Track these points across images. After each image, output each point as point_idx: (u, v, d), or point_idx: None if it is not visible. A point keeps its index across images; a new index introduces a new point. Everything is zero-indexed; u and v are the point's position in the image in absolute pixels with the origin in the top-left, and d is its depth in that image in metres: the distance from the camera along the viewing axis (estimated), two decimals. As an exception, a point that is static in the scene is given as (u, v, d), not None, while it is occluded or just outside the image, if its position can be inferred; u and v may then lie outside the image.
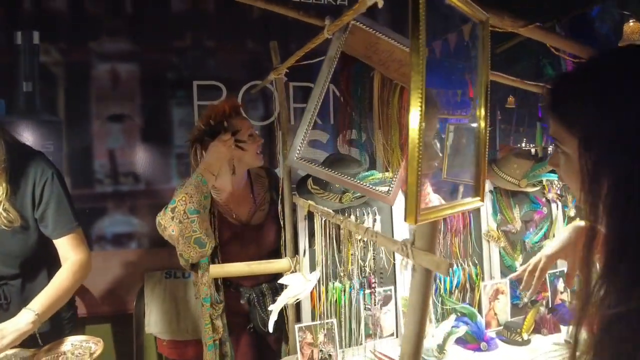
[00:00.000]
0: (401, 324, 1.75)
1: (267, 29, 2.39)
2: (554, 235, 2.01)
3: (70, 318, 1.60)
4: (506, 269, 1.98)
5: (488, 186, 1.98)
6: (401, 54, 1.15)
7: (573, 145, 0.67)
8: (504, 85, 1.66)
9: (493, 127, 2.69)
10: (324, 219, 1.42)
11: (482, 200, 0.85)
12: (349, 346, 1.64)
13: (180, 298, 2.26)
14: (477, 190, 0.84)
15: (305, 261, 1.66)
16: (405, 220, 0.64)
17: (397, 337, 1.75)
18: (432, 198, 1.31)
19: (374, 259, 1.65)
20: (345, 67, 1.20)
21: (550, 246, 1.29)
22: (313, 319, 1.65)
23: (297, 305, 1.72)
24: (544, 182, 2.01)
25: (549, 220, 2.05)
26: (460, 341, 1.71)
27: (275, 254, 1.79)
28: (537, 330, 1.82)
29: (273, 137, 2.18)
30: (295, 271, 1.66)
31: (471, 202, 0.83)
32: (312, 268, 1.65)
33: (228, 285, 1.78)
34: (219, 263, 1.70)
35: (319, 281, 1.55)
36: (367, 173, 1.58)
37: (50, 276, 1.41)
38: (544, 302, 1.92)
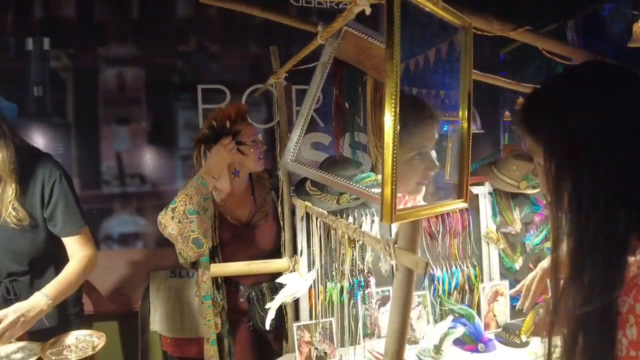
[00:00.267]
0: (399, 324, 1.76)
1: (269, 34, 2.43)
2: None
3: (77, 314, 1.65)
4: (506, 271, 1.98)
5: (487, 188, 1.98)
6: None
7: (542, 156, 0.73)
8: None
9: (495, 128, 2.69)
10: (319, 220, 1.45)
11: (466, 201, 0.87)
12: (345, 345, 1.66)
13: (185, 297, 2.31)
14: (460, 192, 0.86)
15: (303, 261, 1.69)
16: (380, 220, 0.67)
17: (395, 337, 1.77)
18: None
19: (363, 258, 1.67)
20: (338, 72, 1.23)
21: (548, 260, 1.31)
22: (311, 318, 1.68)
23: (296, 304, 1.75)
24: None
25: (550, 223, 2.05)
26: (458, 342, 1.72)
27: (276, 254, 1.83)
28: (536, 332, 1.82)
29: (275, 140, 2.21)
30: (294, 271, 1.70)
31: (453, 204, 0.85)
32: (311, 268, 1.68)
33: (229, 283, 1.82)
34: (219, 262, 1.74)
35: (315, 281, 1.58)
36: (363, 175, 1.61)
37: (57, 273, 1.46)
38: (544, 305, 1.92)
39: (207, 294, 1.68)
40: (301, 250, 1.71)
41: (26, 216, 1.40)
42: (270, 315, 1.55)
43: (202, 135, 1.71)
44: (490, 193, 1.99)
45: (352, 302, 1.67)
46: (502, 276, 1.96)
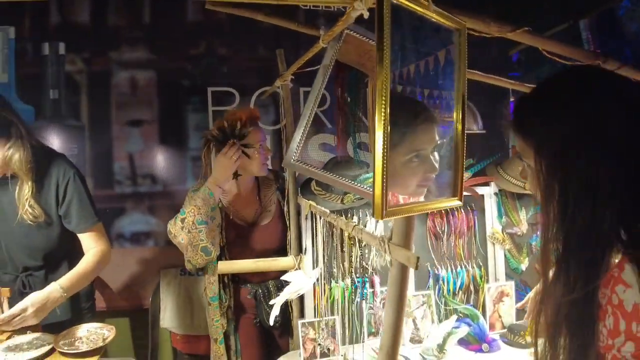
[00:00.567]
0: (403, 322, 1.78)
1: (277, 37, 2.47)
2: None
3: (89, 308, 1.72)
4: (512, 272, 1.98)
5: (493, 188, 1.99)
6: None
7: (532, 158, 0.76)
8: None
9: (502, 129, 2.68)
10: (322, 219, 1.48)
11: (460, 199, 0.89)
12: (350, 343, 1.68)
13: (195, 294, 2.36)
14: (455, 190, 0.88)
15: (307, 259, 1.72)
16: (372, 215, 0.69)
17: (399, 336, 1.78)
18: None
19: (361, 255, 1.69)
20: (340, 74, 1.26)
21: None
22: (316, 315, 1.70)
23: (301, 302, 1.78)
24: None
25: (556, 223, 2.03)
26: (462, 342, 1.73)
27: (281, 252, 1.87)
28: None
29: (282, 141, 2.25)
30: (299, 269, 1.73)
31: (447, 201, 0.87)
32: (315, 266, 1.71)
33: (236, 281, 1.86)
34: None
35: (319, 278, 1.61)
36: (367, 175, 1.63)
37: (70, 268, 1.52)
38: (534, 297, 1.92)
39: (214, 295, 1.72)
40: (305, 248, 1.74)
41: (41, 213, 1.47)
42: (275, 312, 1.58)
43: (211, 135, 1.76)
44: (496, 193, 1.99)
45: (356, 300, 1.69)
46: (508, 277, 1.96)
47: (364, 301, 1.70)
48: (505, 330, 1.82)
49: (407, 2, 0.70)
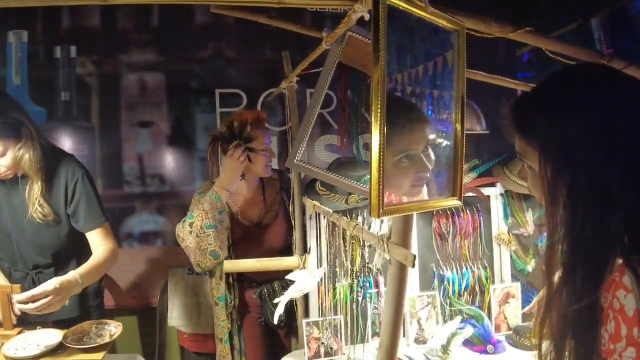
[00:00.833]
0: (408, 323, 1.78)
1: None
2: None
3: (97, 306, 1.75)
4: (518, 273, 1.97)
5: (499, 189, 1.98)
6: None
7: (535, 158, 0.73)
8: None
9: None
10: (326, 218, 1.49)
11: (460, 199, 0.89)
12: (355, 343, 1.69)
13: (202, 293, 2.38)
14: (454, 190, 0.89)
15: (312, 258, 1.73)
16: (369, 213, 0.70)
17: (404, 336, 1.78)
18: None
19: (361, 255, 1.69)
20: (343, 76, 1.27)
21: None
22: (320, 315, 1.71)
23: (306, 301, 1.80)
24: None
25: (563, 225, 2.02)
26: (467, 343, 1.72)
27: (286, 252, 1.88)
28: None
29: (288, 142, 2.27)
30: (304, 268, 1.74)
31: (446, 201, 0.87)
32: (319, 265, 1.72)
33: (241, 281, 1.88)
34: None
35: (323, 278, 1.62)
36: (371, 175, 1.64)
37: (79, 266, 1.55)
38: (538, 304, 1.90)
39: (221, 296, 1.75)
40: (309, 248, 1.75)
41: (51, 212, 1.50)
42: (279, 310, 1.60)
43: (218, 133, 1.78)
44: (502, 194, 1.98)
45: (361, 301, 1.69)
46: (514, 278, 1.94)
47: (367, 301, 1.71)
48: (511, 332, 1.81)
49: (403, 4, 0.71)
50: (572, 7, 2.66)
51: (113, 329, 1.39)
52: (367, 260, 1.65)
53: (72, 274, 1.43)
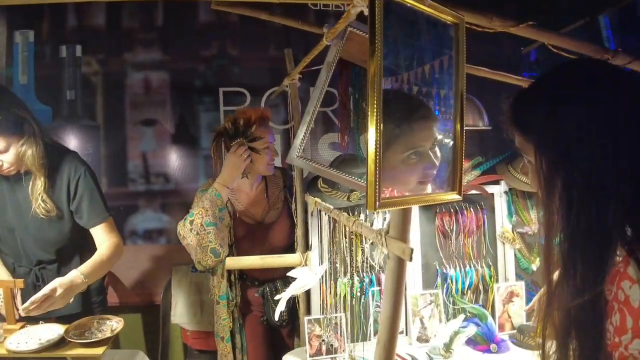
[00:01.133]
0: (410, 321, 1.77)
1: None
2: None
3: (100, 302, 1.76)
4: (522, 272, 1.95)
5: (503, 187, 1.96)
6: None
7: (533, 154, 0.73)
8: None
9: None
10: (327, 215, 1.49)
11: (459, 194, 0.88)
12: (357, 341, 1.68)
13: (205, 291, 2.39)
14: (454, 185, 0.88)
15: (314, 255, 1.73)
16: (366, 207, 0.70)
17: (406, 334, 1.78)
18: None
19: (362, 252, 1.68)
20: (343, 72, 1.26)
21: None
22: (322, 312, 1.71)
23: (308, 299, 1.79)
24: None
25: (569, 223, 1.99)
26: (470, 342, 1.71)
27: (290, 250, 1.88)
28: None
29: (291, 139, 2.27)
30: (306, 265, 1.74)
31: (446, 195, 0.86)
32: (321, 262, 1.72)
33: (244, 279, 1.88)
34: (234, 258, 1.80)
35: (324, 275, 1.62)
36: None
37: (82, 262, 1.56)
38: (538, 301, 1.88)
39: (222, 294, 1.75)
40: (310, 245, 1.75)
41: (54, 208, 1.52)
42: (280, 307, 1.59)
43: (221, 130, 1.78)
44: (506, 192, 1.96)
45: (363, 298, 1.69)
46: (518, 277, 1.92)
47: (370, 298, 1.70)
48: (515, 331, 1.79)
49: (400, -5, 0.71)
50: (578, 5, 2.64)
51: (114, 324, 1.40)
52: (368, 257, 1.64)
53: (75, 273, 1.43)
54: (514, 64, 2.83)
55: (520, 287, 1.86)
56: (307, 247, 1.80)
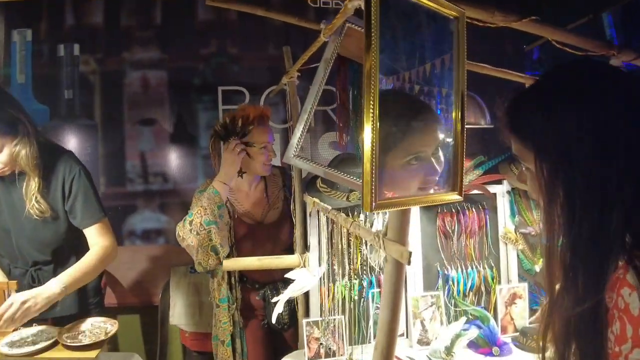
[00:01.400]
0: (411, 323, 1.74)
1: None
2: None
3: (97, 303, 1.74)
4: (525, 273, 1.92)
5: (506, 187, 1.93)
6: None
7: (532, 160, 0.71)
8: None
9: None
10: (326, 216, 1.46)
11: (460, 194, 0.85)
12: (356, 344, 1.65)
13: (204, 292, 2.37)
14: (454, 185, 0.85)
15: (312, 257, 1.70)
16: (362, 208, 0.67)
17: (407, 337, 1.75)
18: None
19: (362, 253, 1.65)
20: (341, 69, 1.24)
21: None
22: (321, 314, 1.68)
23: (307, 301, 1.76)
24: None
25: (572, 223, 1.96)
26: (472, 345, 1.68)
27: (292, 251, 1.85)
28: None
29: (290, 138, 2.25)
30: (305, 267, 1.71)
31: (446, 196, 0.83)
32: (320, 264, 1.69)
33: (244, 282, 1.86)
34: (233, 259, 1.77)
35: (323, 277, 1.59)
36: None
37: None
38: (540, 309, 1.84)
39: (223, 297, 1.72)
40: (309, 246, 1.72)
41: (48, 208, 1.50)
42: (278, 310, 1.57)
43: (219, 127, 1.75)
44: (508, 192, 1.93)
45: (359, 301, 1.66)
46: (521, 278, 1.89)
47: (369, 301, 1.67)
48: (518, 333, 1.76)
49: (397, -14, 0.68)
50: (580, 3, 2.60)
51: (109, 326, 1.38)
52: (366, 258, 1.61)
53: (53, 282, 1.40)
54: (516, 62, 2.79)
55: (523, 288, 1.83)
56: (306, 248, 1.78)
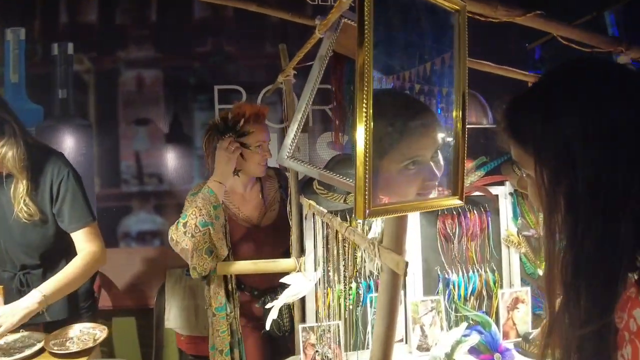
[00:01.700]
0: (410, 329, 1.70)
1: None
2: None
3: (89, 307, 1.70)
4: (527, 277, 1.87)
5: (508, 188, 1.88)
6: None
7: (532, 166, 0.66)
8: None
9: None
10: (320, 219, 1.41)
11: (461, 199, 0.81)
12: (355, 350, 1.61)
13: (200, 295, 2.33)
14: (455, 189, 0.80)
15: (308, 261, 1.66)
16: (354, 215, 0.63)
17: (406, 343, 1.70)
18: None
19: (358, 258, 1.61)
20: (337, 66, 1.19)
21: None
22: (317, 320, 1.64)
23: (303, 306, 1.72)
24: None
25: (577, 226, 1.91)
26: (473, 351, 1.63)
27: (289, 254, 1.80)
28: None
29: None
30: (301, 271, 1.67)
31: (446, 200, 0.79)
32: (316, 268, 1.64)
33: (242, 289, 1.81)
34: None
35: (319, 282, 1.54)
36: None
37: None
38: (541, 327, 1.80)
39: (220, 306, 1.66)
40: (304, 250, 1.67)
41: (36, 211, 1.46)
42: (272, 316, 1.52)
43: (213, 124, 1.70)
44: (511, 193, 1.88)
45: (353, 308, 1.62)
46: (524, 282, 1.85)
47: (367, 306, 1.62)
48: (520, 339, 1.72)
49: (392, -24, 0.63)
50: (583, 0, 2.56)
51: (98, 333, 1.34)
52: (364, 263, 1.57)
53: (33, 294, 1.36)
54: (518, 61, 2.74)
55: (525, 293, 1.79)
56: (302, 251, 1.73)
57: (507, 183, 1.87)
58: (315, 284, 1.57)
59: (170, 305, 2.31)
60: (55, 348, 1.25)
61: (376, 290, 1.67)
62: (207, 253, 1.55)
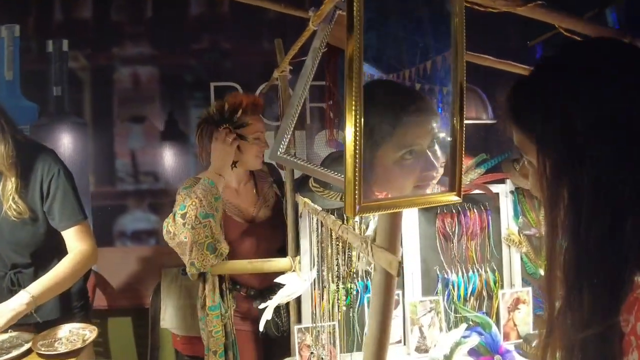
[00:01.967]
0: (409, 330, 1.67)
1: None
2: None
3: (82, 307, 1.67)
4: (529, 277, 1.84)
5: (509, 186, 1.85)
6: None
7: (534, 154, 0.62)
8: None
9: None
10: (314, 217, 1.38)
11: (459, 195, 0.77)
12: (351, 351, 1.58)
13: (196, 296, 2.29)
14: (452, 185, 0.77)
15: (304, 260, 1.62)
16: (344, 212, 0.59)
17: (404, 344, 1.67)
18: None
19: (352, 257, 1.57)
20: (332, 60, 1.16)
21: None
22: (313, 321, 1.61)
23: (298, 307, 1.69)
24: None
25: (579, 225, 1.88)
26: (472, 353, 1.61)
27: (285, 251, 1.77)
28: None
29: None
30: (296, 270, 1.64)
31: (442, 197, 0.75)
32: (312, 267, 1.61)
33: (238, 289, 1.77)
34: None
35: (314, 282, 1.51)
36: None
37: None
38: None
39: (214, 305, 1.62)
40: (299, 249, 1.64)
41: (26, 209, 1.43)
42: (266, 316, 1.49)
43: (207, 115, 1.65)
44: (512, 192, 1.85)
45: (357, 307, 1.59)
46: (525, 282, 1.82)
47: (364, 306, 1.59)
48: (521, 340, 1.69)
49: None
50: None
51: (87, 333, 1.31)
52: (358, 263, 1.54)
53: (21, 295, 1.33)
54: (519, 59, 2.71)
55: (526, 293, 1.76)
56: (298, 250, 1.70)
57: (508, 181, 1.84)
58: (311, 284, 1.54)
59: (165, 305, 2.28)
60: (43, 349, 1.23)
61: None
62: (208, 249, 1.47)
